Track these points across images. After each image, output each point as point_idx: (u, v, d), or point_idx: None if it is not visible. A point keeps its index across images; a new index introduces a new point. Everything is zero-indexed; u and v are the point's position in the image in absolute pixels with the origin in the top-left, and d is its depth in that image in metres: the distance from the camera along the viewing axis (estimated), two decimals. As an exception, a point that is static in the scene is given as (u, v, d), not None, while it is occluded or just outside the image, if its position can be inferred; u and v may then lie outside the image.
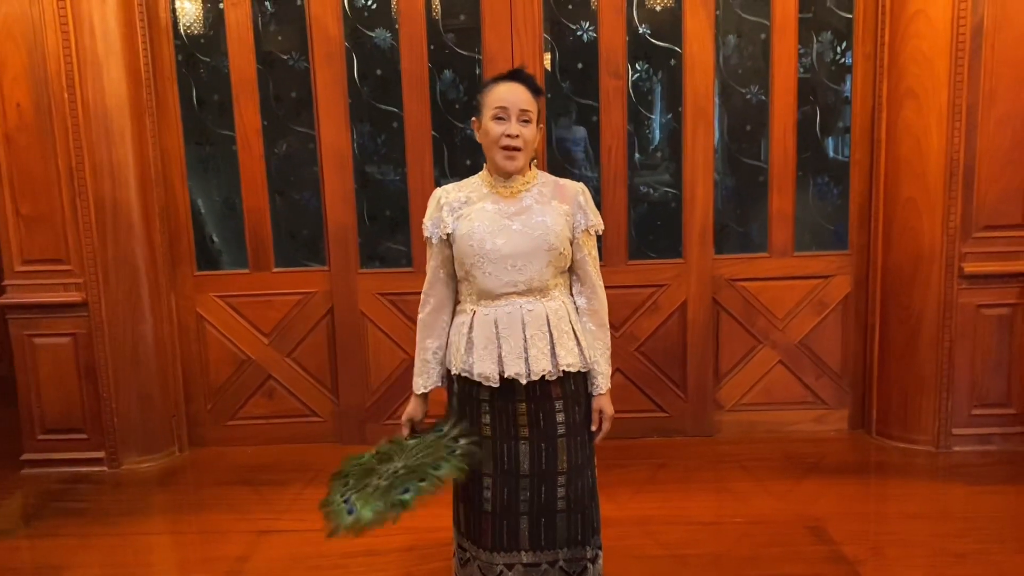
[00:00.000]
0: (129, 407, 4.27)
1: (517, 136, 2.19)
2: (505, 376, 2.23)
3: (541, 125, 2.29)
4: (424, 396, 2.40)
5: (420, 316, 2.38)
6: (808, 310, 4.40)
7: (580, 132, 4.35)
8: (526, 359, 2.22)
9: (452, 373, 2.34)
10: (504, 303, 2.24)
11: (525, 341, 2.22)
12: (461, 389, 2.34)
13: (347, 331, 4.43)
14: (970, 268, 4.02)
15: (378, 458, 2.22)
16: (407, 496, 2.07)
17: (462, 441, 2.23)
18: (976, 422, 4.18)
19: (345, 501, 2.11)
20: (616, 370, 4.22)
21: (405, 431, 2.37)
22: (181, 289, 4.44)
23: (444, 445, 2.22)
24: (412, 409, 2.41)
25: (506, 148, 2.21)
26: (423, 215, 2.38)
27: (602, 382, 2.34)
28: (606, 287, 2.42)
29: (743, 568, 3.11)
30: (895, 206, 4.11)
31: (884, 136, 4.10)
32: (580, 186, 2.31)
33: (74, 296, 4.14)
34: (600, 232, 2.34)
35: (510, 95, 2.20)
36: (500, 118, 2.21)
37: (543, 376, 2.24)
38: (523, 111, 2.20)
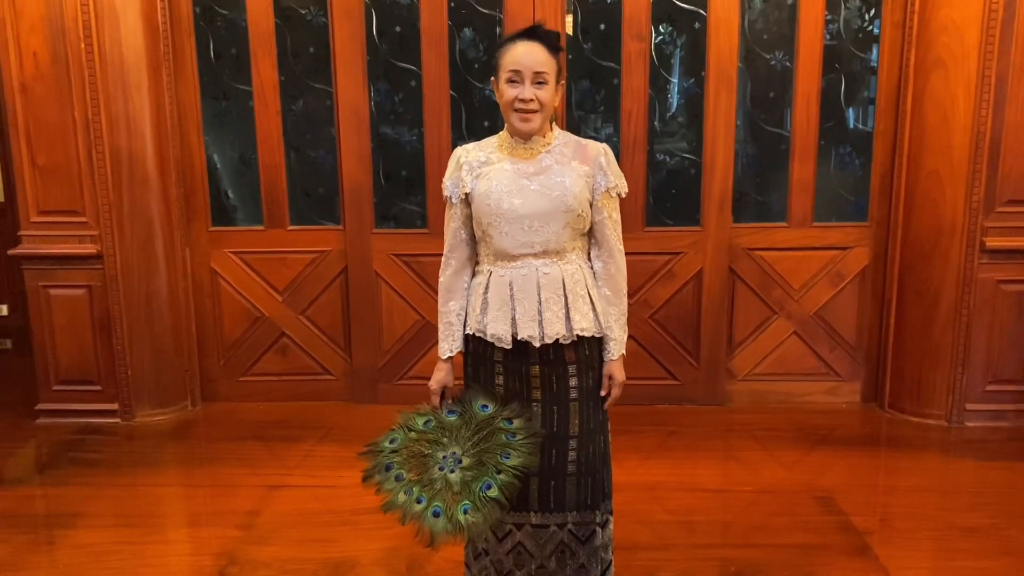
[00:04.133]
0: (143, 360, 4.29)
1: (531, 100, 2.14)
2: (518, 338, 2.21)
3: (561, 83, 2.24)
4: (450, 360, 2.37)
5: (441, 279, 2.35)
6: (825, 281, 4.36)
7: None
8: (540, 322, 2.20)
9: (467, 333, 2.33)
10: (520, 264, 2.21)
11: (540, 304, 2.20)
12: (475, 349, 2.32)
13: (361, 291, 4.43)
14: (992, 243, 3.96)
15: (420, 439, 2.19)
16: (493, 493, 2.08)
17: (516, 423, 2.19)
18: (990, 398, 4.16)
19: (419, 501, 2.08)
20: (629, 336, 4.19)
21: (435, 400, 2.34)
22: (196, 244, 4.44)
23: (499, 429, 2.18)
24: (443, 376, 2.35)
25: (519, 111, 2.16)
26: (440, 176, 2.35)
27: (614, 348, 2.31)
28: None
29: (751, 536, 3.13)
30: (918, 178, 4.05)
31: (910, 106, 4.03)
32: (603, 147, 2.26)
33: (89, 248, 4.14)
34: (623, 195, 2.28)
35: (524, 57, 2.14)
36: (514, 81, 2.16)
37: (557, 340, 2.22)
38: (537, 73, 2.13)
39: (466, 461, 2.14)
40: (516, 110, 2.16)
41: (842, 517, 3.24)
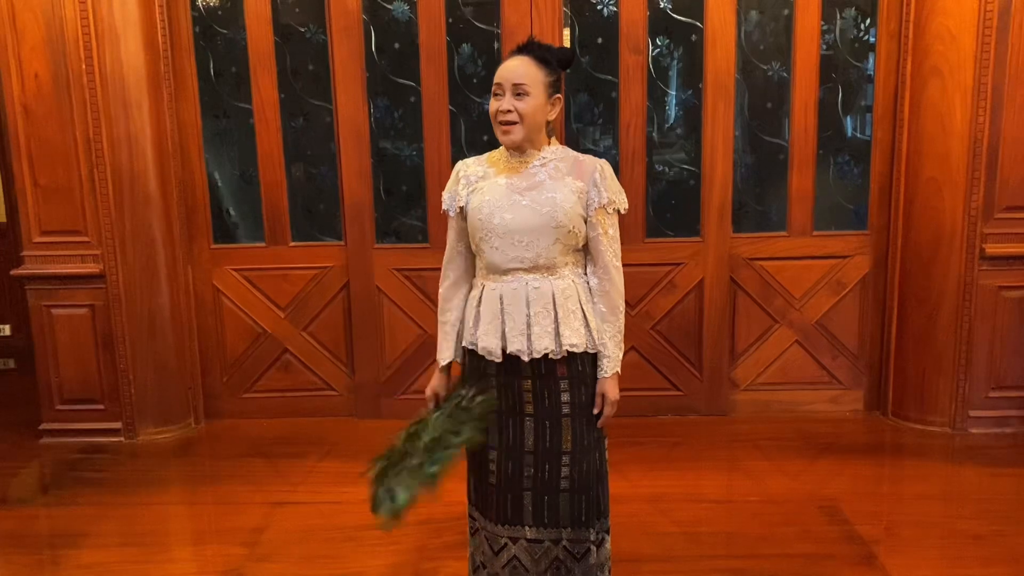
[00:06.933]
0: (146, 378, 4.29)
1: (509, 111, 2.16)
2: (507, 351, 2.22)
3: (557, 96, 2.25)
4: (447, 369, 2.39)
5: (440, 290, 2.39)
6: (826, 290, 4.37)
7: None
8: (528, 336, 2.20)
9: (463, 346, 2.35)
10: (511, 279, 2.22)
11: (528, 318, 2.20)
12: (471, 363, 2.34)
13: (363, 306, 4.44)
14: (992, 249, 3.97)
15: (407, 439, 2.19)
16: (434, 468, 2.06)
17: (478, 399, 2.21)
18: (993, 404, 4.16)
19: (388, 491, 2.07)
20: (631, 348, 4.20)
21: (430, 405, 2.36)
22: (198, 262, 4.45)
23: (462, 409, 2.20)
24: (436, 383, 2.38)
25: (500, 123, 2.19)
26: (440, 191, 2.37)
27: (608, 365, 2.28)
28: (623, 265, 2.36)
29: (756, 546, 3.12)
30: (916, 186, 4.06)
31: (907, 115, 4.05)
32: (600, 162, 2.25)
33: (91, 267, 4.15)
34: (622, 210, 2.27)
35: (506, 71, 2.17)
36: (497, 94, 2.19)
37: (547, 354, 2.22)
38: (516, 84, 2.15)
39: (429, 444, 2.12)
40: (499, 122, 2.19)
41: (847, 526, 3.24)
